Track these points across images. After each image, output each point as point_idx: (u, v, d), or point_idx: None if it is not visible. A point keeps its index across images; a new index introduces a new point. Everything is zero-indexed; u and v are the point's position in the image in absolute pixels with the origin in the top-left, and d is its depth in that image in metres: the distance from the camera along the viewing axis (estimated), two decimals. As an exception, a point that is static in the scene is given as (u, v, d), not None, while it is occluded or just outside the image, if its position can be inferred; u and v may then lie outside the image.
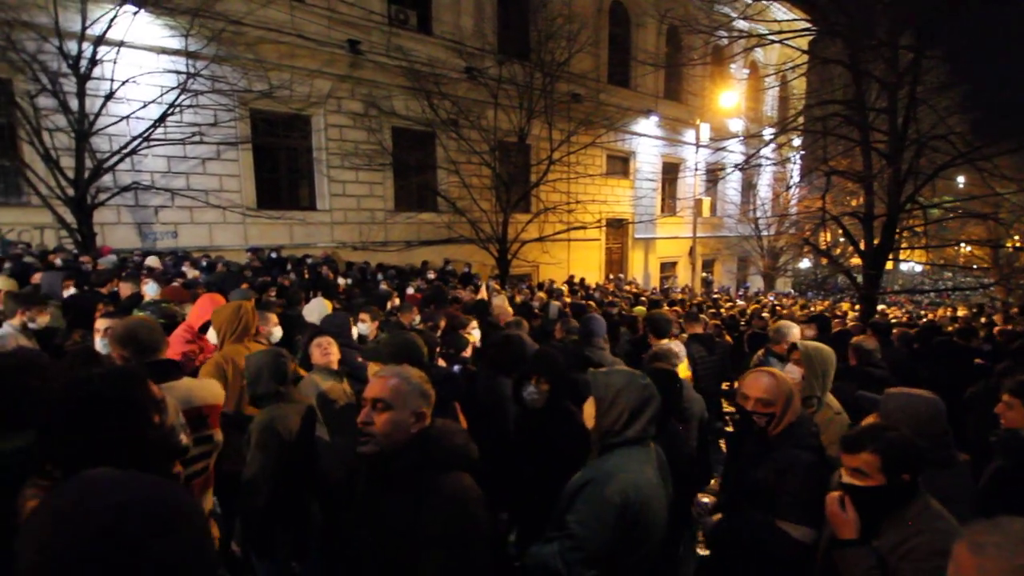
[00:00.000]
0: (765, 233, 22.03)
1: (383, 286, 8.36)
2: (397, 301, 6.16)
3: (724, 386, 5.63)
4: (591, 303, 8.23)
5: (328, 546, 2.63)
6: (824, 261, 20.80)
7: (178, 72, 9.26)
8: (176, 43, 9.43)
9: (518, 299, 8.33)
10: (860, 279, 10.42)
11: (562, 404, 2.39)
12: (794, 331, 3.93)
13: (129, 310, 3.70)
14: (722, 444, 4.78)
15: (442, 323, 4.80)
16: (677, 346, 4.27)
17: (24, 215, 8.81)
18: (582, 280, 14.45)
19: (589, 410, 1.78)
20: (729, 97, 19.34)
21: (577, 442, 2.28)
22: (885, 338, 5.26)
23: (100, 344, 3.29)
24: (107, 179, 8.68)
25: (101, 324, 3.09)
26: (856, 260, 11.77)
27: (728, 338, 6.22)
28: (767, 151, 14.70)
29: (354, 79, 12.38)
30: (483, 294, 7.33)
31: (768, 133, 15.61)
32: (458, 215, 13.46)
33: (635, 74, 18.85)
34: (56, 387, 1.24)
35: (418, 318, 5.10)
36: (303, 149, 12.26)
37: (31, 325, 3.41)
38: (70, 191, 8.15)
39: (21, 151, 8.42)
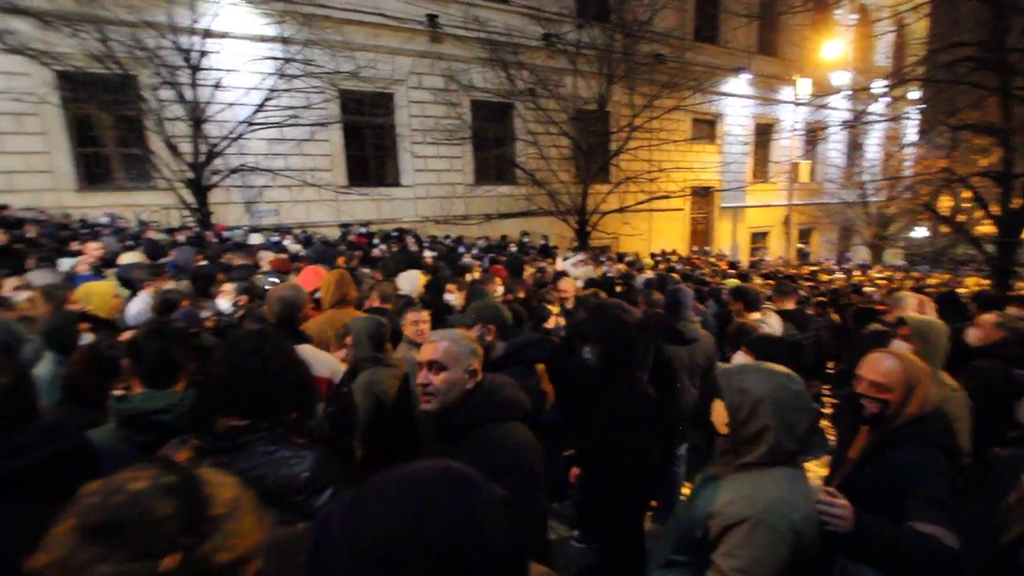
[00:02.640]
0: (873, 198, 19.87)
1: (466, 258, 8.59)
2: (478, 273, 6.32)
3: (830, 366, 5.24)
4: (675, 275, 7.95)
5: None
6: (945, 229, 18.53)
7: (274, 58, 9.88)
8: (271, 30, 10.05)
9: (598, 272, 8.23)
10: (990, 249, 9.20)
11: (617, 365, 2.48)
12: (909, 301, 3.55)
13: (246, 279, 4.09)
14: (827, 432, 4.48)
15: (520, 293, 4.88)
16: (773, 319, 4.04)
17: (153, 197, 9.92)
18: (663, 251, 13.96)
19: (719, 414, 1.46)
20: (834, 47, 17.45)
21: (632, 403, 2.43)
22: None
23: (225, 305, 3.71)
24: (218, 162, 9.53)
25: (228, 287, 3.54)
26: (985, 228, 10.37)
27: (833, 315, 5.78)
28: (878, 106, 13.17)
29: (434, 54, 12.55)
30: (559, 265, 7.32)
31: (880, 86, 13.96)
32: (536, 187, 13.41)
33: (725, 28, 17.50)
34: (226, 347, 1.40)
35: (500, 289, 5.21)
36: (388, 126, 12.70)
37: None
38: (189, 174, 9.05)
39: (148, 140, 9.42)
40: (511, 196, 14.04)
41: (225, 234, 8.58)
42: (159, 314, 3.36)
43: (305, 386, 1.43)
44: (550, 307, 3.96)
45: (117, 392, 1.58)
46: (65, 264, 4.47)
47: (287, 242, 8.06)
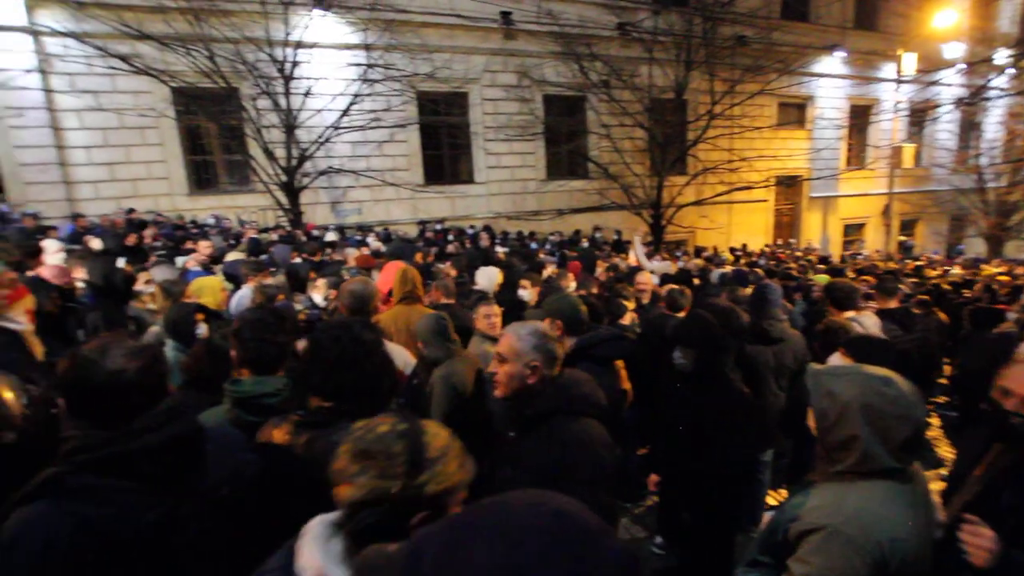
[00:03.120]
0: (992, 184, 17.67)
1: (539, 254, 8.65)
2: (552, 270, 6.32)
3: (946, 371, 4.76)
4: (758, 270, 7.54)
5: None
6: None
7: (358, 64, 10.42)
8: (355, 38, 10.61)
9: (673, 267, 7.97)
10: None
11: (711, 370, 2.45)
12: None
13: (336, 275, 4.38)
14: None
15: (593, 289, 4.84)
16: (869, 320, 3.73)
17: (251, 199, 10.82)
18: (744, 247, 13.25)
19: (811, 419, 1.37)
20: (947, 16, 15.67)
21: (725, 408, 2.37)
22: None
23: (319, 298, 3.98)
24: (308, 165, 10.21)
25: (320, 282, 3.81)
26: None
27: (941, 314, 5.23)
28: (1001, 79, 11.67)
29: (507, 51, 12.68)
30: (632, 259, 7.15)
31: (1005, 56, 12.36)
32: (609, 181, 13.18)
33: (816, 3, 16.24)
34: (312, 336, 1.53)
35: (574, 284, 5.20)
36: (462, 125, 13.01)
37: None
38: (282, 177, 9.77)
39: (247, 147, 10.26)
40: (583, 191, 13.91)
41: (314, 232, 9.19)
42: (259, 307, 3.68)
43: (382, 374, 1.52)
44: (626, 303, 3.91)
45: (233, 377, 1.76)
46: (180, 261, 5.00)
47: (370, 239, 8.49)
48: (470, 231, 11.19)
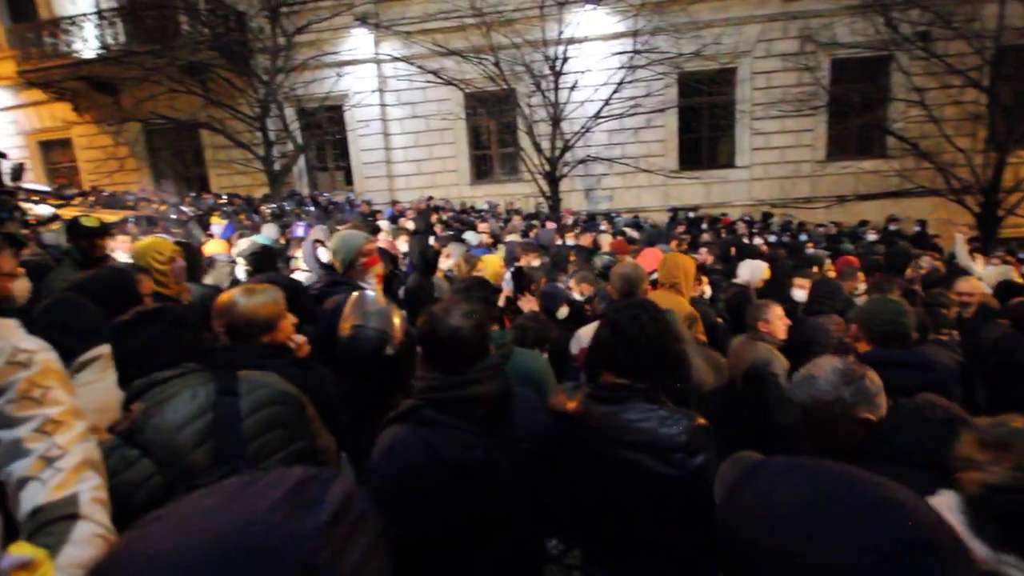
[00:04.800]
0: None
1: (809, 248, 7.51)
2: (830, 266, 5.43)
3: None
4: None
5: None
6: None
7: (622, 53, 10.57)
8: (622, 26, 10.77)
9: (1015, 272, 5.93)
10: None
11: None
12: None
13: (589, 258, 4.62)
14: None
15: (896, 293, 3.96)
16: None
17: (519, 188, 12.11)
18: None
19: None
20: None
21: None
22: None
23: (577, 295, 4.25)
24: (568, 155, 10.87)
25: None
26: None
27: None
28: None
29: (788, 15, 11.18)
30: (966, 261, 5.57)
31: None
32: (917, 159, 10.53)
33: None
34: (611, 312, 1.66)
35: (862, 286, 4.39)
36: (726, 104, 12.05)
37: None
38: (546, 167, 10.64)
39: (519, 140, 11.46)
40: (875, 172, 11.45)
41: (571, 219, 9.78)
42: (517, 286, 4.11)
43: (678, 354, 1.54)
44: (946, 313, 3.12)
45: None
46: (471, 238, 5.91)
47: (624, 227, 8.65)
48: (724, 218, 10.39)
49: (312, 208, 9.72)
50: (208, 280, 3.62)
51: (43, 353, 0.98)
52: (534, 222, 9.13)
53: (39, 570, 0.74)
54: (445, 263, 4.81)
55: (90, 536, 0.87)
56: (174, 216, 7.46)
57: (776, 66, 11.48)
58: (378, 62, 12.15)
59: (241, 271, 3.61)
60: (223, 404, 1.47)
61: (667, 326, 1.52)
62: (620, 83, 10.28)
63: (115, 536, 0.92)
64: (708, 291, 4.00)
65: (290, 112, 11.95)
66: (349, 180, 13.30)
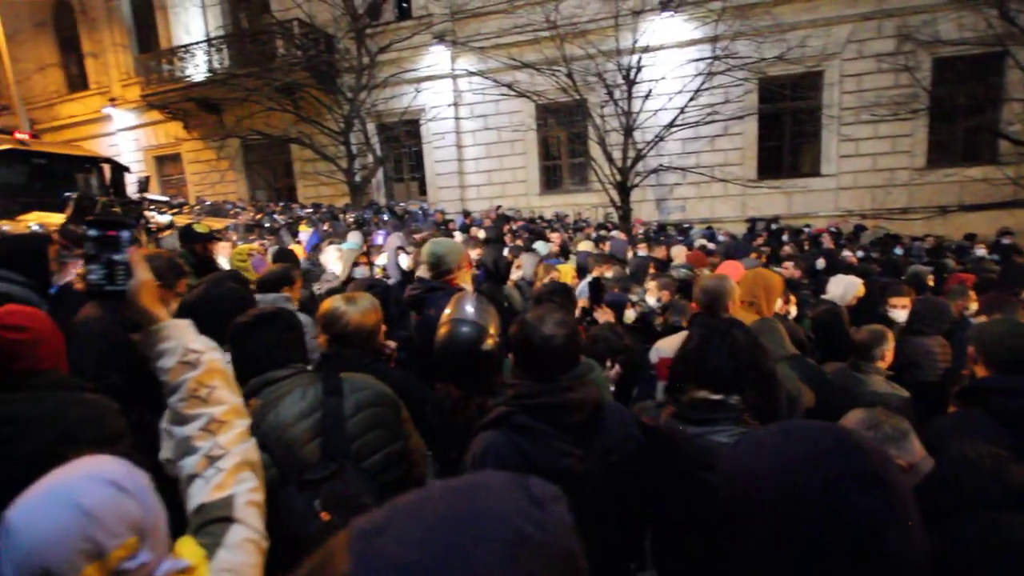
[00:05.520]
0: None
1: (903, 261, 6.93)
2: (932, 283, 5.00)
3: None
4: None
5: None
6: None
7: (698, 60, 10.31)
8: (700, 33, 10.52)
9: None
10: None
11: None
12: None
13: (668, 275, 4.51)
14: None
15: (1022, 315, 3.57)
16: None
17: (588, 198, 12.07)
18: None
19: None
20: None
21: None
22: None
23: (652, 300, 4.18)
24: (640, 164, 10.71)
25: (651, 284, 4.02)
26: None
27: None
28: None
29: (884, 12, 10.45)
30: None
31: None
32: (1039, 165, 9.48)
33: None
34: (699, 325, 1.64)
35: (974, 306, 4.00)
36: (810, 110, 11.43)
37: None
38: (617, 177, 10.54)
39: (589, 150, 11.44)
40: (985, 181, 10.40)
41: (640, 229, 9.63)
42: (594, 297, 4.09)
43: (768, 372, 1.49)
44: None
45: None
46: (541, 248, 5.97)
47: (699, 238, 8.39)
48: (808, 231, 9.79)
49: (388, 217, 10.19)
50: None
51: (209, 353, 1.03)
52: (602, 232, 9.07)
53: (195, 573, 0.80)
54: (515, 273, 4.89)
55: (242, 541, 0.89)
56: (267, 224, 8.09)
57: (869, 68, 10.76)
58: (454, 77, 12.59)
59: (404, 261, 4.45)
60: (330, 404, 1.58)
61: (758, 342, 1.48)
62: (697, 91, 9.98)
63: (266, 541, 0.95)
64: (793, 311, 3.76)
65: (371, 127, 12.63)
66: (423, 190, 13.83)
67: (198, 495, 0.93)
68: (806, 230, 9.79)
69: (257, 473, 1.01)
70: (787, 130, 11.69)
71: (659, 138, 10.31)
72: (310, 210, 10.80)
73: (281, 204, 12.08)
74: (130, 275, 0.99)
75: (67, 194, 6.75)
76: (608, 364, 2.52)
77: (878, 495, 0.65)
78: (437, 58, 12.59)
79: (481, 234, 8.06)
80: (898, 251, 8.41)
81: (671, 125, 10.21)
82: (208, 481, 0.93)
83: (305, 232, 7.06)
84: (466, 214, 11.08)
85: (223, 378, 1.04)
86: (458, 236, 6.43)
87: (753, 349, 1.49)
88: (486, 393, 1.95)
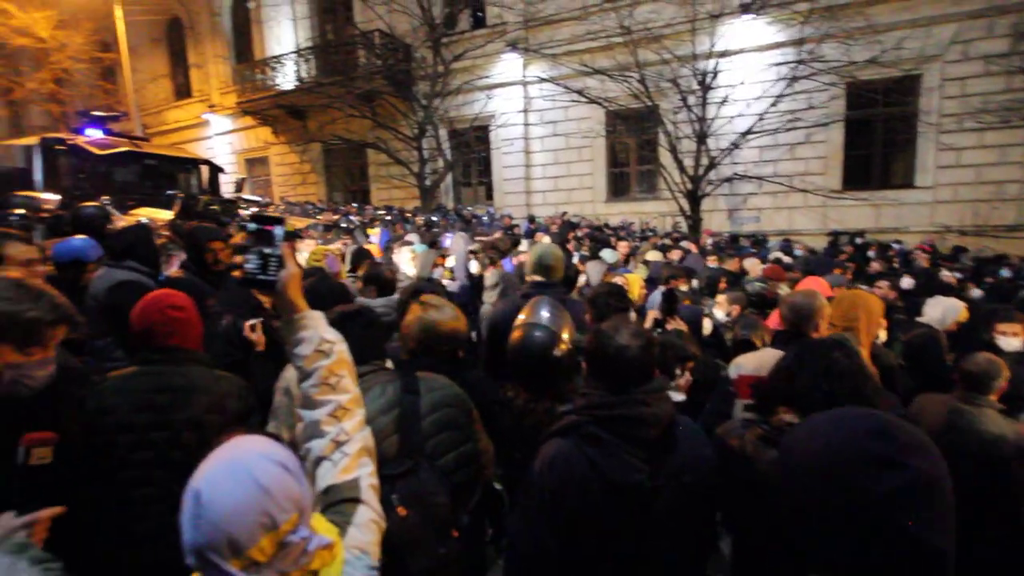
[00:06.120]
0: None
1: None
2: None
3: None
4: None
5: None
6: None
7: (784, 63, 9.84)
8: (784, 35, 10.04)
9: None
10: None
11: None
12: None
13: (740, 289, 4.33)
14: None
15: None
16: None
17: (656, 206, 11.80)
18: None
19: None
20: None
21: None
22: None
23: (721, 315, 4.03)
24: (713, 173, 10.34)
25: (721, 298, 3.89)
26: None
27: None
28: None
29: (995, 9, 9.52)
30: None
31: None
32: None
33: None
34: (798, 347, 1.57)
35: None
36: (904, 117, 10.59)
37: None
38: (688, 185, 10.23)
39: (659, 157, 11.19)
40: (1120, 195, 9.23)
41: (709, 240, 9.29)
42: (668, 308, 3.98)
43: (868, 396, 1.40)
44: None
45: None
46: (608, 256, 5.89)
47: (775, 251, 8.00)
48: (897, 247, 9.07)
49: (456, 220, 10.44)
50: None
51: (340, 344, 1.10)
52: (666, 242, 8.83)
53: (334, 549, 0.88)
54: (580, 279, 4.86)
55: (368, 521, 0.97)
56: (344, 224, 8.52)
57: (975, 71, 9.82)
58: (524, 84, 12.72)
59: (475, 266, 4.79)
60: (407, 402, 1.65)
61: (863, 368, 1.39)
62: (779, 96, 9.51)
63: (385, 522, 1.02)
64: (883, 335, 3.48)
65: (442, 132, 13.00)
66: (489, 195, 14.05)
67: (326, 476, 1.00)
68: (895, 246, 9.08)
69: (373, 459, 1.07)
70: (878, 138, 10.88)
71: (735, 145, 9.91)
72: (383, 211, 11.25)
73: (355, 205, 12.68)
74: (281, 267, 1.08)
75: (170, 192, 7.41)
76: (678, 372, 2.45)
77: (898, 480, 0.70)
78: (508, 65, 12.78)
79: (546, 239, 8.09)
80: (1005, 272, 7.62)
81: (748, 132, 9.79)
82: (336, 464, 1.00)
83: (375, 234, 7.37)
84: (531, 219, 11.12)
85: (349, 368, 1.11)
86: (524, 243, 6.48)
87: (855, 374, 1.41)
88: (555, 399, 1.96)
